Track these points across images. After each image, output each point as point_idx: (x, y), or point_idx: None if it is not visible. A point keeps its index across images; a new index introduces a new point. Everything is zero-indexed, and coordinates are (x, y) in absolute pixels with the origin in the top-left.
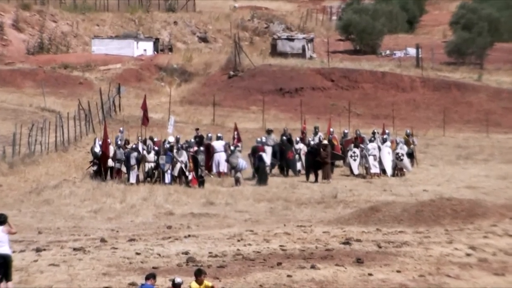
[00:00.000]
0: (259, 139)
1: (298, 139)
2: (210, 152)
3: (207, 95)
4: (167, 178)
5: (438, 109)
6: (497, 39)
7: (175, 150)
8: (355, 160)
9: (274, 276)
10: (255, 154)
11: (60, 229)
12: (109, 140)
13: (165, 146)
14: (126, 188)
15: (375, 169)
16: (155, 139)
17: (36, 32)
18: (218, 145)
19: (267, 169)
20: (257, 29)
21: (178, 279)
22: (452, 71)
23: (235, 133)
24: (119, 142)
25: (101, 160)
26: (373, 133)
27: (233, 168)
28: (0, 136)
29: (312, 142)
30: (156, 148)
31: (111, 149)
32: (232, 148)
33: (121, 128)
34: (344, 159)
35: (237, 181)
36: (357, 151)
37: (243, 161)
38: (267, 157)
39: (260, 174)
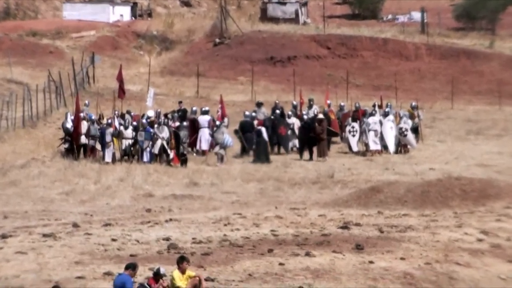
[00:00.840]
0: (247, 113)
1: (290, 112)
2: (194, 127)
3: (191, 65)
4: (146, 156)
5: (446, 79)
6: (510, 1)
7: (155, 126)
8: (353, 135)
9: (264, 264)
10: (244, 130)
11: (28, 213)
12: (81, 115)
13: (143, 121)
14: (101, 168)
15: (375, 145)
16: (133, 114)
17: None
18: (203, 120)
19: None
20: None
21: (162, 269)
22: (461, 37)
23: (220, 106)
24: (82, 116)
25: (73, 137)
26: (374, 106)
27: (217, 144)
28: None
29: (306, 116)
30: (134, 123)
31: (84, 124)
32: (218, 123)
33: (86, 101)
34: (340, 135)
35: (221, 159)
36: (356, 125)
37: (229, 138)
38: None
39: (260, 150)
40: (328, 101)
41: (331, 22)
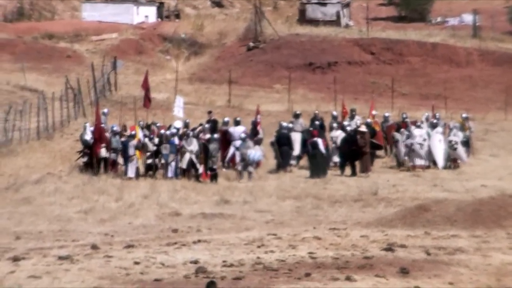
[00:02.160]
0: (284, 124)
1: (335, 125)
2: (226, 140)
3: (222, 71)
4: (171, 171)
5: (500, 87)
6: None
7: (184, 138)
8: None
9: None
10: (280, 143)
11: (43, 233)
12: (103, 126)
13: (168, 132)
14: (123, 184)
15: (420, 161)
16: (159, 124)
17: None
18: (236, 131)
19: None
20: None
21: None
22: None
23: (258, 117)
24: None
25: (92, 150)
26: (426, 118)
27: (243, 160)
28: None
29: (349, 128)
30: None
31: (106, 136)
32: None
33: (105, 110)
34: (385, 148)
35: (249, 175)
36: (400, 138)
37: (256, 152)
38: (297, 145)
39: (316, 163)
40: (374, 112)
41: (375, 25)
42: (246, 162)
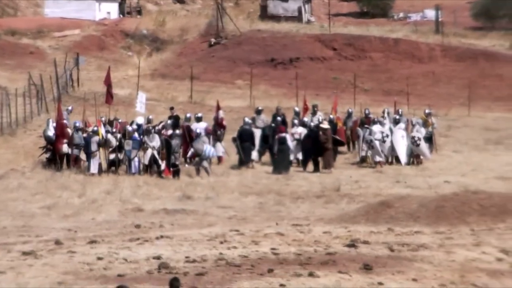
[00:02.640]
0: (247, 120)
1: (296, 121)
2: (188, 136)
3: (184, 67)
4: (134, 167)
5: (462, 83)
6: None
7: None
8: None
9: (264, 285)
10: (242, 139)
11: (7, 229)
12: (65, 121)
13: (129, 128)
14: (85, 180)
15: (379, 157)
16: (120, 120)
17: None
18: (198, 127)
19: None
20: None
21: None
22: (479, 37)
23: (220, 112)
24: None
25: (55, 146)
26: (384, 112)
27: (198, 155)
28: None
29: (312, 124)
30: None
31: (67, 132)
32: (198, 131)
33: (69, 107)
34: (345, 144)
35: (205, 170)
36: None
37: (211, 148)
38: (257, 140)
39: (282, 159)
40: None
41: (337, 20)
42: (201, 157)
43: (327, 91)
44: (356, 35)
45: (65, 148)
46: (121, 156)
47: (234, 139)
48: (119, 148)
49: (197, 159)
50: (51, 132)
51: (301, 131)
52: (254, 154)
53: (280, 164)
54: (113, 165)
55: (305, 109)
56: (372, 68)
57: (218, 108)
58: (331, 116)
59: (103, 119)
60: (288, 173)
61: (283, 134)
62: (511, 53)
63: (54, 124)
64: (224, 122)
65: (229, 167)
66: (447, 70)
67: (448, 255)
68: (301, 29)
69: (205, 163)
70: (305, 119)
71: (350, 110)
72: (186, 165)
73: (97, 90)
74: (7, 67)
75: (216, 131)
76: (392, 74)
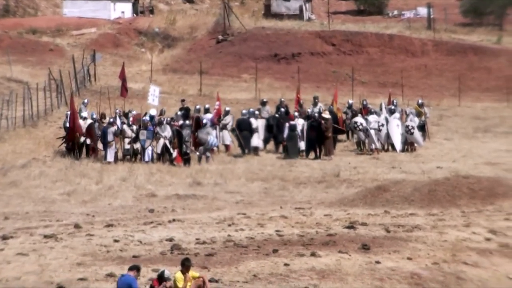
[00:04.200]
0: (244, 111)
1: (297, 114)
2: (198, 126)
3: (193, 62)
4: (148, 155)
5: (453, 75)
6: None
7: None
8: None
9: (269, 264)
10: (241, 128)
11: (29, 214)
12: (83, 114)
13: (144, 120)
14: (102, 168)
15: (374, 144)
16: (134, 112)
17: None
18: (207, 118)
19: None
20: None
21: (166, 272)
22: (468, 33)
23: (216, 104)
24: (85, 115)
25: (68, 136)
26: (381, 105)
27: (202, 144)
28: None
29: (316, 114)
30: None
31: (82, 123)
32: (204, 121)
33: (85, 100)
34: (346, 132)
35: (206, 159)
36: (362, 121)
37: (214, 138)
38: (262, 130)
39: (293, 145)
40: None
41: (336, 18)
42: (205, 147)
43: (327, 84)
44: (354, 32)
45: (82, 139)
46: (135, 146)
47: (233, 130)
48: (135, 138)
49: (201, 148)
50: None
51: (302, 122)
52: (260, 143)
53: (292, 149)
54: (130, 154)
55: (297, 100)
56: (369, 62)
57: (218, 99)
58: (331, 107)
59: (117, 111)
60: (297, 158)
61: (293, 122)
62: (497, 47)
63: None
64: (221, 113)
65: (235, 155)
66: (438, 64)
67: (441, 236)
68: (303, 26)
69: (207, 153)
70: (308, 110)
71: (350, 101)
72: (196, 154)
73: (113, 84)
74: (28, 63)
75: (219, 120)
76: (387, 67)
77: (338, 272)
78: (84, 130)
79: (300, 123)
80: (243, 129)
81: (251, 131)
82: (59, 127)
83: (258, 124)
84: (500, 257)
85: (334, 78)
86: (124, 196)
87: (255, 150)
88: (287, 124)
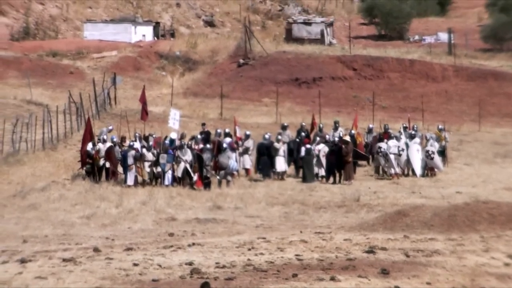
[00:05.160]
0: (266, 136)
1: (318, 138)
2: (220, 150)
3: (214, 86)
4: (168, 179)
5: (473, 101)
6: None
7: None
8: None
9: None
10: (260, 153)
11: (48, 237)
12: (103, 137)
13: (165, 143)
14: (122, 191)
15: (394, 169)
16: (154, 136)
17: (21, 15)
18: (225, 142)
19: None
20: (270, 12)
21: None
22: (488, 58)
23: (235, 127)
24: (104, 138)
25: (81, 159)
26: (401, 128)
27: (223, 169)
28: None
29: (336, 139)
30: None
31: (101, 146)
32: (225, 146)
33: (110, 127)
34: (368, 158)
35: (227, 183)
36: (384, 146)
37: (234, 162)
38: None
39: (307, 169)
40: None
41: (357, 43)
42: (226, 171)
43: (347, 108)
44: (375, 56)
45: (101, 161)
46: (156, 170)
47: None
48: (156, 162)
49: (221, 172)
50: (89, 147)
51: (322, 147)
52: (284, 166)
53: (308, 173)
54: (150, 177)
55: (313, 125)
56: (390, 87)
57: (235, 124)
58: (352, 132)
59: (137, 134)
60: (314, 182)
61: (308, 146)
62: None
63: (96, 139)
64: (237, 138)
65: (255, 179)
66: (459, 89)
67: (460, 260)
68: (324, 51)
69: (228, 177)
70: (327, 134)
71: (370, 126)
72: (217, 178)
73: (133, 107)
74: (49, 86)
75: (238, 144)
76: (408, 92)
77: None
78: (103, 153)
79: (319, 148)
80: (263, 154)
81: (270, 155)
82: (79, 150)
83: (282, 148)
84: None
85: (354, 102)
86: (144, 219)
87: (281, 174)
88: (303, 148)
